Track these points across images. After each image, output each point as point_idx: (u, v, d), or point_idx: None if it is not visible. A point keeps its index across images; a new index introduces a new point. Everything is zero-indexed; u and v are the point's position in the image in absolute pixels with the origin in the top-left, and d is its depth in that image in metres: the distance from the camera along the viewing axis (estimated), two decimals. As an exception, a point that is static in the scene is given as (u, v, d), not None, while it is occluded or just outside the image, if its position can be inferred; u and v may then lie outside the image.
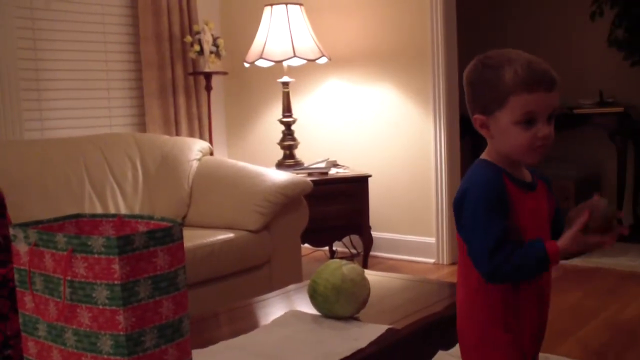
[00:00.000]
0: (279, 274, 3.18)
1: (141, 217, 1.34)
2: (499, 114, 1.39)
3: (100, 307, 1.13)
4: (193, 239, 2.88)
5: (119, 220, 1.35)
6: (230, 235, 3.01)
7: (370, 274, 2.07)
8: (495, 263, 1.36)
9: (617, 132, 4.79)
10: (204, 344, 1.64)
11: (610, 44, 5.09)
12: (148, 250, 1.16)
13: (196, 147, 3.59)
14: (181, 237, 1.23)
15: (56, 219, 1.35)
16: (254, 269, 3.11)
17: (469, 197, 1.40)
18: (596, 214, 1.37)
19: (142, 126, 4.51)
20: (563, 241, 1.37)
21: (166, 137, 3.75)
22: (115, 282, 1.12)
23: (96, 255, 1.13)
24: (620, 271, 3.94)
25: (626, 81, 5.05)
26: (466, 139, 5.09)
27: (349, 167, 4.36)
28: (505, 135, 1.40)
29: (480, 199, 1.39)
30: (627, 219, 4.89)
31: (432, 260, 4.35)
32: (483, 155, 1.47)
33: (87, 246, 1.14)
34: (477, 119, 1.44)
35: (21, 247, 1.24)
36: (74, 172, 3.17)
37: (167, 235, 1.20)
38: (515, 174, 1.44)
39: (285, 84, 4.37)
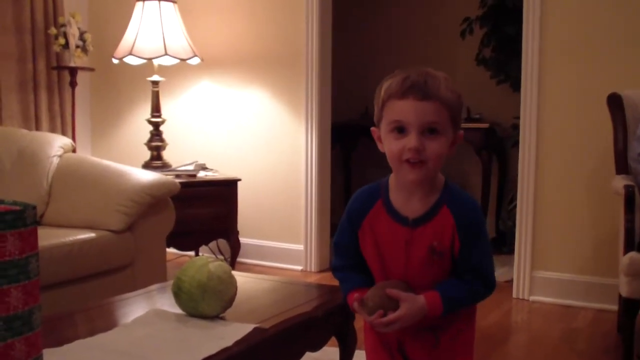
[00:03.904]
0: (143, 278, 3.04)
1: (-10, 201, 1.23)
2: (381, 123, 1.42)
3: (-63, 294, 1.02)
4: (51, 237, 2.70)
5: (-36, 204, 1.23)
6: (91, 235, 2.86)
7: (238, 275, 2.02)
8: (332, 262, 1.58)
9: (483, 147, 5.00)
10: (59, 342, 1.52)
11: (478, 63, 5.31)
12: (-4, 234, 1.06)
13: (57, 143, 3.39)
14: (34, 222, 1.13)
15: None
16: (115, 271, 2.96)
17: None
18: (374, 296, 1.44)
19: (-3, 121, 4.23)
20: (356, 299, 1.46)
21: (24, 131, 3.51)
22: (-44, 267, 1.01)
23: None
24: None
25: (492, 99, 5.28)
26: (337, 148, 5.15)
27: (219, 171, 4.28)
28: (384, 145, 1.42)
29: (346, 210, 1.54)
30: (490, 232, 5.08)
31: (300, 268, 4.35)
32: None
33: None
34: (373, 131, 1.46)
35: None
36: None
37: (19, 218, 1.09)
38: (397, 202, 1.45)
39: (155, 83, 4.24)
